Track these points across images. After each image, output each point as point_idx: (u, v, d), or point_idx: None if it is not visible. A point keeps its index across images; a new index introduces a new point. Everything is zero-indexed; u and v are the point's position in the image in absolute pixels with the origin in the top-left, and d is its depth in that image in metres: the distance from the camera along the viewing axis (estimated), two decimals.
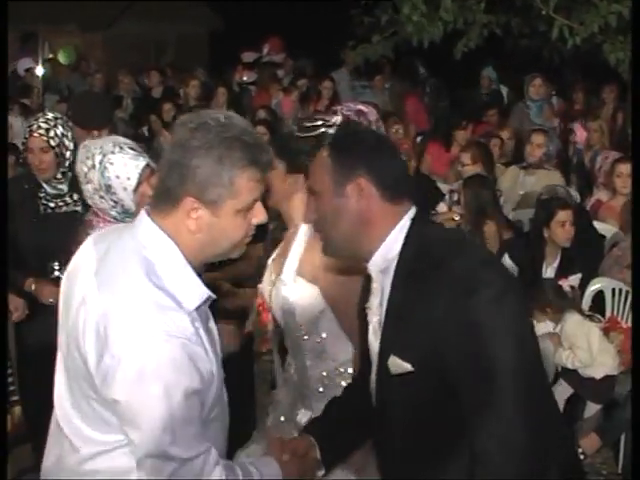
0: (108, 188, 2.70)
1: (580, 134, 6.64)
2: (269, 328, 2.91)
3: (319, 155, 1.92)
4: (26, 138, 3.51)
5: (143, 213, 1.73)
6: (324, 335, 2.45)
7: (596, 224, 5.14)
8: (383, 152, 1.88)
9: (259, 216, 1.74)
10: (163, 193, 1.68)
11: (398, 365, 1.80)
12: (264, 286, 2.65)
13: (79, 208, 3.48)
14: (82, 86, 10.61)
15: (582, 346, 3.98)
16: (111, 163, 2.68)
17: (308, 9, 12.61)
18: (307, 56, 10.81)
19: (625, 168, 5.09)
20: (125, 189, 2.69)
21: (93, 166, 2.70)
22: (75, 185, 3.50)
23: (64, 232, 3.42)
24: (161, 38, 16.11)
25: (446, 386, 1.73)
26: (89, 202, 2.84)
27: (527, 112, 7.37)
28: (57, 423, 1.80)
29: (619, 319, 4.35)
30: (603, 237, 5.05)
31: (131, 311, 1.60)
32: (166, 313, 1.60)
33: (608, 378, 4.04)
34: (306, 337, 2.46)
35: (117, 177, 2.67)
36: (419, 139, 7.17)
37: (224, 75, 10.06)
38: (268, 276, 2.62)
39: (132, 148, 2.75)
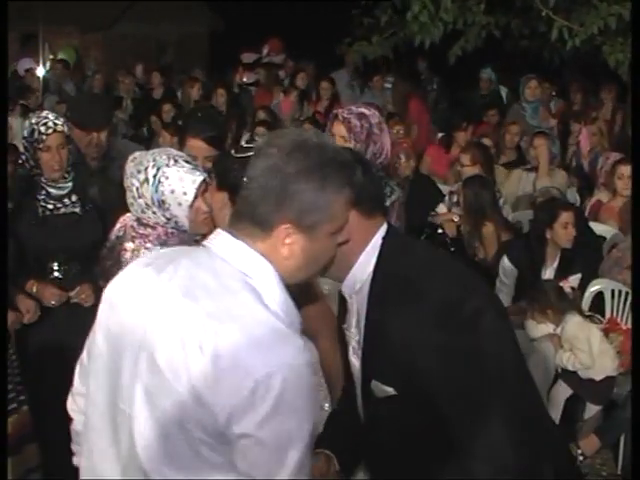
0: (161, 203, 2.57)
1: (584, 140, 6.64)
2: None
3: None
4: (34, 137, 3.44)
5: (230, 236, 1.59)
6: None
7: (596, 225, 5.16)
8: (358, 172, 1.78)
9: (344, 235, 1.69)
10: (254, 218, 1.56)
11: (380, 389, 1.79)
12: None
13: (78, 209, 3.47)
14: (81, 87, 10.64)
15: (583, 348, 3.98)
16: (166, 177, 2.54)
17: (308, 10, 12.61)
18: (307, 57, 10.81)
19: (626, 170, 5.10)
20: (180, 204, 2.56)
21: (146, 180, 2.56)
22: (75, 186, 3.51)
23: (63, 233, 3.44)
24: (161, 39, 16.12)
25: (430, 407, 1.72)
26: (139, 216, 2.69)
27: (523, 113, 7.38)
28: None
29: (619, 320, 4.36)
30: (603, 238, 5.06)
31: (264, 342, 1.46)
32: (291, 342, 1.49)
33: (608, 379, 4.05)
34: None
35: (172, 192, 2.54)
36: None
37: (224, 76, 10.06)
38: None
39: (187, 161, 2.62)
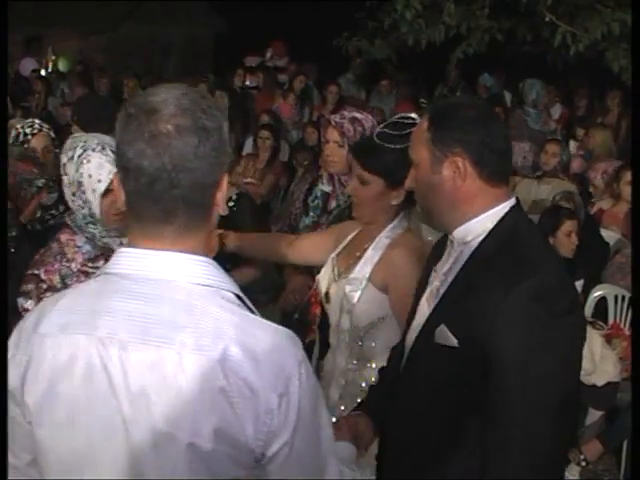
0: (79, 185, 2.49)
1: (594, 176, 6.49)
2: (316, 320, 2.91)
3: (419, 125, 1.87)
4: (19, 140, 3.43)
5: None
6: (373, 344, 2.47)
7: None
8: (486, 130, 1.78)
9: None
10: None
11: (445, 336, 1.76)
12: (321, 279, 2.67)
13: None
14: (84, 90, 10.64)
15: (585, 354, 3.97)
16: (88, 160, 2.49)
17: (312, 13, 12.61)
18: (311, 60, 10.82)
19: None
20: (94, 191, 2.48)
21: (72, 158, 2.51)
22: (61, 196, 3.47)
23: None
24: (165, 41, 16.14)
25: (483, 373, 1.70)
26: (66, 198, 2.62)
27: (525, 118, 7.38)
28: None
29: (621, 326, 4.36)
30: (607, 244, 5.05)
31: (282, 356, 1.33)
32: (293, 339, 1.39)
33: (610, 385, 4.04)
34: (359, 343, 2.49)
35: (89, 176, 2.47)
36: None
37: (228, 79, 10.07)
38: (329, 270, 2.63)
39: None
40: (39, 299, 2.48)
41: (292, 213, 3.70)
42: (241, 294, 1.42)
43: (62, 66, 12.70)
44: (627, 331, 4.27)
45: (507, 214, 1.80)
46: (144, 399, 1.28)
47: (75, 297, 1.39)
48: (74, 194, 2.52)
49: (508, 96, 9.27)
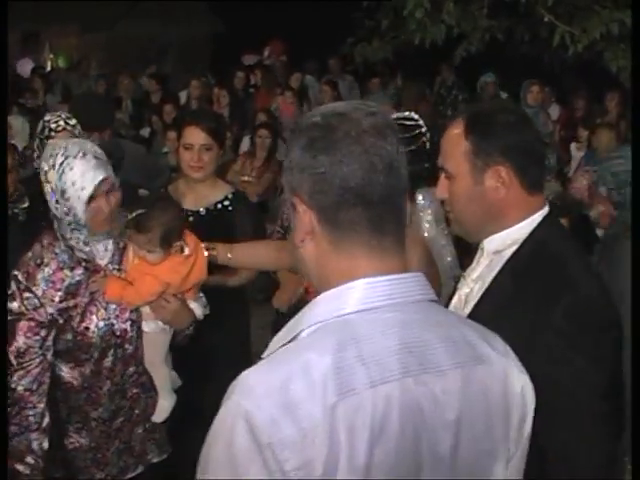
0: (63, 193, 2.46)
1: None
2: None
3: (452, 134, 1.77)
4: (44, 134, 3.44)
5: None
6: None
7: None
8: (525, 135, 1.73)
9: None
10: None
11: None
12: None
13: None
14: (82, 87, 10.62)
15: None
16: (70, 168, 2.44)
17: (310, 12, 12.60)
18: (309, 59, 10.82)
19: None
20: (79, 198, 2.44)
21: (53, 166, 2.47)
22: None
23: None
24: (163, 40, 16.12)
25: None
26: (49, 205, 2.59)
27: None
28: None
29: None
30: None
31: None
32: None
33: None
34: None
35: (73, 184, 2.43)
36: None
37: (225, 77, 10.05)
38: None
39: (97, 157, 2.49)
40: (22, 300, 2.48)
41: (284, 213, 3.68)
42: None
43: (60, 63, 12.69)
44: None
45: (541, 223, 1.76)
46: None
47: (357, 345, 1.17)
48: (57, 202, 2.49)
49: (504, 97, 9.26)
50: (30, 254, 2.54)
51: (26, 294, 2.49)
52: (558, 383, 1.59)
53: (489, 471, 1.24)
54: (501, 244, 1.77)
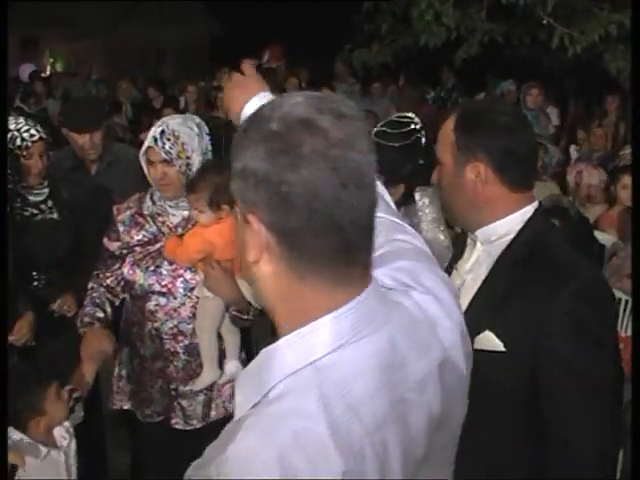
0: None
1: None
2: None
3: (446, 125, 1.85)
4: (17, 144, 3.31)
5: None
6: None
7: (597, 234, 5.11)
8: (511, 137, 1.77)
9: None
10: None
11: (490, 342, 1.72)
12: None
13: (55, 215, 3.38)
14: (82, 92, 10.63)
15: None
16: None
17: (309, 16, 12.62)
18: (308, 63, 10.82)
19: (629, 180, 5.02)
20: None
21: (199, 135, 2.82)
22: (51, 192, 3.39)
23: (42, 240, 3.31)
24: (162, 44, 16.14)
25: (525, 383, 1.69)
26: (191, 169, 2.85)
27: None
28: None
29: (618, 328, 4.33)
30: (603, 247, 5.02)
31: None
32: None
33: None
34: None
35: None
36: None
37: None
38: None
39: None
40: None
41: None
42: None
43: (58, 68, 12.71)
44: (624, 334, 4.25)
45: (531, 218, 1.81)
46: None
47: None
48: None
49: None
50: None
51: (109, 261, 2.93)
52: (571, 366, 1.64)
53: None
54: (492, 235, 1.82)
